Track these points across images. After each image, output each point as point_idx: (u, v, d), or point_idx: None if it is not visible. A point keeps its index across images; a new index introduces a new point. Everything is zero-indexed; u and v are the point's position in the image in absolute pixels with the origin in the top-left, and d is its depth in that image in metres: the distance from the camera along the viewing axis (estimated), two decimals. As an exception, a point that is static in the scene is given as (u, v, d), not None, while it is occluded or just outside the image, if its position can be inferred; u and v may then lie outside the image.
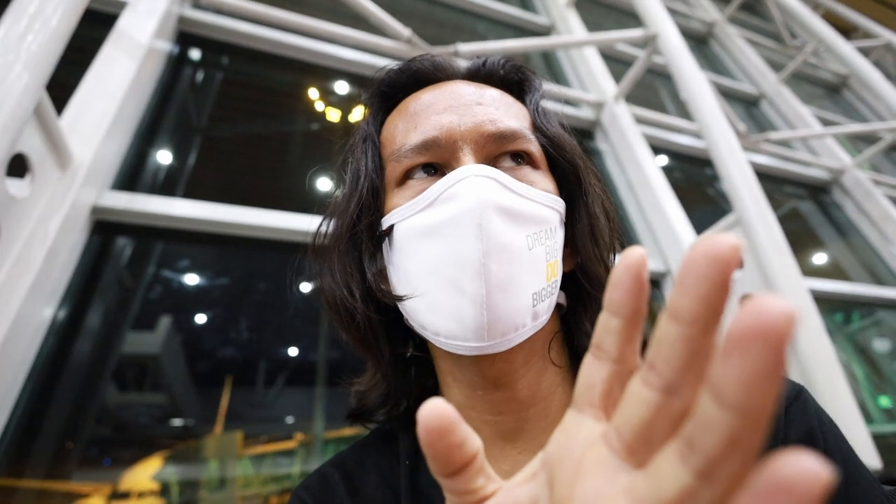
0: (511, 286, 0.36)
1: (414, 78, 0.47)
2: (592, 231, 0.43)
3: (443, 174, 0.40)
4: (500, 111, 0.43)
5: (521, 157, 0.42)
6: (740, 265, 0.14)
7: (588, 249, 0.43)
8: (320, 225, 0.47)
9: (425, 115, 0.42)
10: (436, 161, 0.41)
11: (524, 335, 0.38)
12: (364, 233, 0.43)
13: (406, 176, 0.42)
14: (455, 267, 0.36)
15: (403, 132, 0.43)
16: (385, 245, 0.43)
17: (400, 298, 0.41)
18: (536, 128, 0.45)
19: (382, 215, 0.43)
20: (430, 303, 0.38)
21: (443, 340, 0.38)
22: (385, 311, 0.43)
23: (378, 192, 0.43)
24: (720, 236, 0.14)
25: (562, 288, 0.44)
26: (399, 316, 0.42)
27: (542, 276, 0.38)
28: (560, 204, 0.43)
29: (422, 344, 0.46)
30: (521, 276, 0.37)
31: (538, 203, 0.40)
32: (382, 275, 0.43)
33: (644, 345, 0.47)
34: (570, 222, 0.44)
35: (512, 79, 0.49)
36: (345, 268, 0.43)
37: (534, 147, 0.43)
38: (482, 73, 0.48)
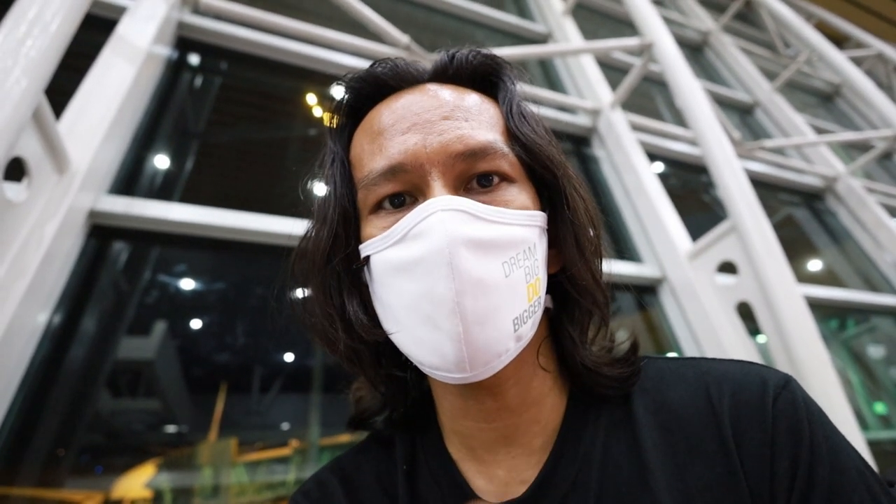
0: (489, 318, 0.36)
1: (375, 87, 0.45)
2: (576, 237, 0.42)
3: (414, 199, 0.39)
4: (470, 122, 0.40)
5: (494, 177, 0.40)
6: None
7: (572, 255, 0.41)
8: (297, 252, 0.45)
9: (390, 135, 0.40)
10: (404, 189, 0.40)
11: (508, 359, 0.37)
12: (340, 264, 0.42)
13: (378, 203, 0.41)
14: (430, 305, 0.36)
15: (370, 155, 0.41)
16: (367, 272, 0.42)
17: (380, 334, 0.40)
18: (510, 134, 0.42)
19: (359, 243, 0.42)
20: (411, 336, 0.38)
21: (428, 370, 0.39)
22: (378, 339, 0.42)
23: (350, 220, 0.42)
24: None
25: (549, 290, 0.43)
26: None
27: (522, 300, 0.38)
28: (539, 217, 0.41)
29: None
30: (499, 306, 0.36)
31: (513, 225, 0.39)
32: (366, 303, 0.42)
33: (635, 349, 0.46)
34: (554, 226, 0.43)
35: (484, 71, 0.46)
36: (324, 298, 0.42)
37: (507, 160, 0.41)
38: (450, 72, 0.45)
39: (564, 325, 0.44)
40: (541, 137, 0.43)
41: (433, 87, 0.43)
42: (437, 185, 0.38)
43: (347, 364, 0.44)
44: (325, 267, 0.42)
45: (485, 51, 0.46)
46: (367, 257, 0.41)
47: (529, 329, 0.39)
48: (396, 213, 0.40)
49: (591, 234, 0.43)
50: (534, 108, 0.47)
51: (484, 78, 0.46)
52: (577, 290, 0.42)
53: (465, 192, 0.40)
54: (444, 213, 0.36)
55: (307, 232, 0.45)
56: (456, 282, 0.35)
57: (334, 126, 0.47)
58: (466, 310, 0.35)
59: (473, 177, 0.40)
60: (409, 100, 0.42)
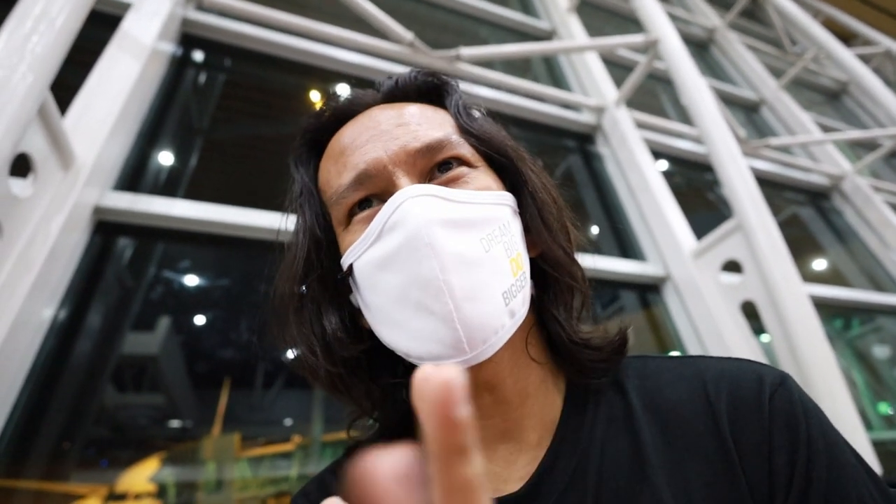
0: (477, 293, 0.36)
1: (334, 117, 0.48)
2: (541, 215, 0.43)
3: (382, 201, 0.40)
4: (423, 125, 0.43)
5: (454, 163, 0.42)
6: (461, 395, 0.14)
7: (542, 234, 0.43)
8: (274, 288, 0.47)
9: (351, 150, 0.43)
10: (373, 193, 0.41)
11: (506, 336, 0.38)
12: (316, 286, 0.43)
13: (350, 214, 0.42)
14: (418, 291, 0.36)
15: (336, 174, 0.43)
16: (353, 285, 0.42)
17: (356, 349, 0.42)
18: (463, 129, 0.45)
19: (336, 261, 0.43)
20: (405, 331, 0.38)
21: (428, 364, 0.38)
22: (350, 358, 0.43)
23: (321, 243, 0.44)
24: (436, 375, 0.15)
25: (531, 277, 0.44)
26: (379, 344, 0.42)
27: (507, 274, 0.39)
28: (507, 197, 0.43)
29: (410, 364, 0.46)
30: (486, 281, 0.37)
31: (482, 204, 0.40)
32: (359, 315, 0.43)
33: (624, 341, 0.45)
34: (522, 211, 0.44)
35: (429, 87, 0.49)
36: (302, 327, 0.43)
37: (465, 149, 0.43)
38: (398, 93, 0.48)
39: (548, 307, 0.44)
40: (491, 128, 0.46)
41: (385, 106, 0.47)
42: (403, 181, 0.40)
43: (331, 392, 0.44)
44: (301, 294, 0.43)
45: (426, 70, 0.50)
46: (350, 268, 0.41)
47: (521, 305, 0.39)
48: (369, 213, 0.41)
49: (555, 210, 0.45)
50: (480, 104, 0.50)
51: (430, 92, 0.49)
52: (553, 267, 0.43)
53: (430, 182, 0.41)
54: (414, 200, 0.38)
55: (282, 266, 0.46)
56: (437, 260, 0.36)
57: (299, 159, 0.49)
58: (453, 286, 0.35)
59: (436, 166, 0.42)
60: (364, 118, 0.45)
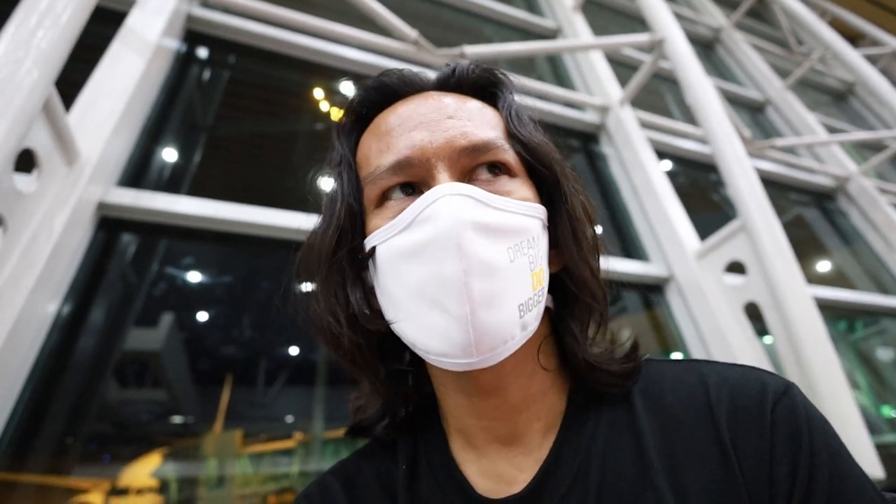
0: (495, 301, 0.36)
1: (382, 94, 0.47)
2: (574, 233, 0.43)
3: (420, 192, 0.40)
4: (472, 122, 0.43)
5: (497, 168, 0.42)
6: None
7: (572, 252, 0.43)
8: (303, 248, 0.47)
9: (397, 133, 0.42)
10: (411, 180, 0.41)
11: (514, 347, 0.38)
12: (345, 258, 0.43)
13: (384, 196, 0.42)
14: (437, 288, 0.36)
15: (377, 153, 0.43)
16: (371, 265, 0.43)
17: (383, 324, 0.41)
18: (510, 134, 0.44)
19: (363, 238, 0.43)
20: (417, 323, 0.38)
21: (433, 358, 0.38)
22: (373, 332, 0.43)
23: (356, 216, 0.43)
24: None
25: (550, 290, 0.44)
26: (391, 331, 0.42)
27: (527, 287, 0.38)
28: (540, 210, 0.43)
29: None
30: (506, 290, 0.37)
31: (517, 214, 0.40)
32: (371, 295, 0.43)
33: (635, 348, 0.46)
34: (553, 225, 0.44)
35: (484, 83, 0.48)
36: (328, 294, 0.43)
37: (508, 155, 0.43)
38: (452, 82, 0.48)
39: (566, 322, 0.44)
40: (539, 138, 0.45)
41: (437, 94, 0.46)
42: (442, 176, 0.40)
43: (349, 363, 0.44)
44: (331, 262, 0.43)
45: (484, 64, 0.49)
46: (373, 249, 0.41)
47: (534, 319, 0.39)
48: (402, 202, 0.41)
49: (589, 230, 0.44)
50: (533, 109, 0.49)
51: (484, 88, 0.48)
52: (577, 286, 0.43)
53: (469, 182, 0.41)
54: (451, 198, 0.37)
55: (314, 229, 0.46)
56: (463, 262, 0.35)
57: (342, 129, 0.49)
58: (473, 291, 0.35)
59: (478, 166, 0.42)
60: (416, 103, 0.45)
